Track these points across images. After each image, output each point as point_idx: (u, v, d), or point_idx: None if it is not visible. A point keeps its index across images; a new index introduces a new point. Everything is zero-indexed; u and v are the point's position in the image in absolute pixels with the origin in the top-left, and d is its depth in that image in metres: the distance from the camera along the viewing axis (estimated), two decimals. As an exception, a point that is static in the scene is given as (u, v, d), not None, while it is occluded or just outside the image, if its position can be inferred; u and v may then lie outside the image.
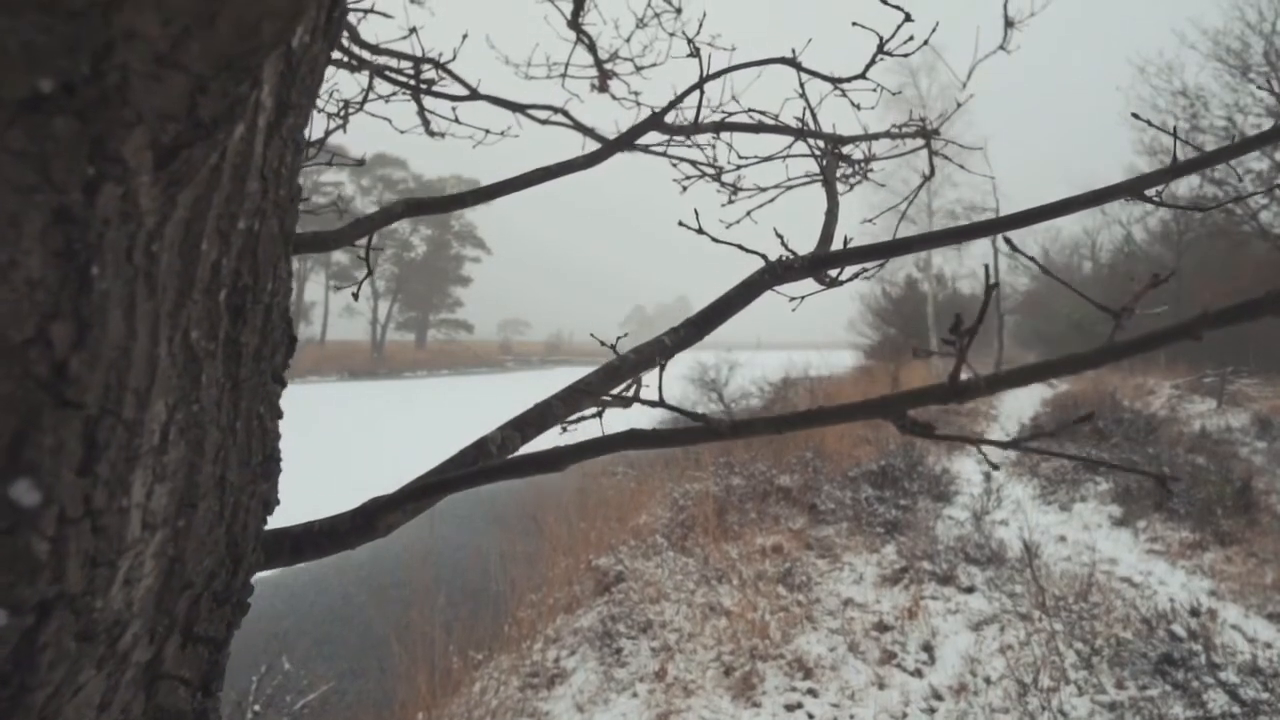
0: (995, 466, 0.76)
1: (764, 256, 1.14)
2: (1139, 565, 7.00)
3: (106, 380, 0.46)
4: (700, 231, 1.20)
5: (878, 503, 8.12)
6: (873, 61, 1.52)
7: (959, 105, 2.15)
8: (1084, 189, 1.14)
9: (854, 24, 1.46)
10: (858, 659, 5.32)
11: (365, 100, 1.94)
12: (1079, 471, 9.67)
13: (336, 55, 1.90)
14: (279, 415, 0.69)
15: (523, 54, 2.94)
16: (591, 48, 2.88)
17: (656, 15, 2.80)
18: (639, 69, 2.97)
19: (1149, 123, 1.15)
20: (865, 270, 1.34)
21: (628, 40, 2.94)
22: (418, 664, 5.58)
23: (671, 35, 2.76)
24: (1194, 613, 5.09)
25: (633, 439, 0.76)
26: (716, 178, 2.11)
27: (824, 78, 1.63)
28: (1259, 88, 18.77)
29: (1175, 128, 1.13)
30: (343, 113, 2.13)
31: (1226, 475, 8.76)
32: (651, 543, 7.47)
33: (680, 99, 1.55)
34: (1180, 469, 9.05)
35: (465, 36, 1.94)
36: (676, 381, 16.01)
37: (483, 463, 0.93)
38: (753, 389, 14.11)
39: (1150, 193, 1.24)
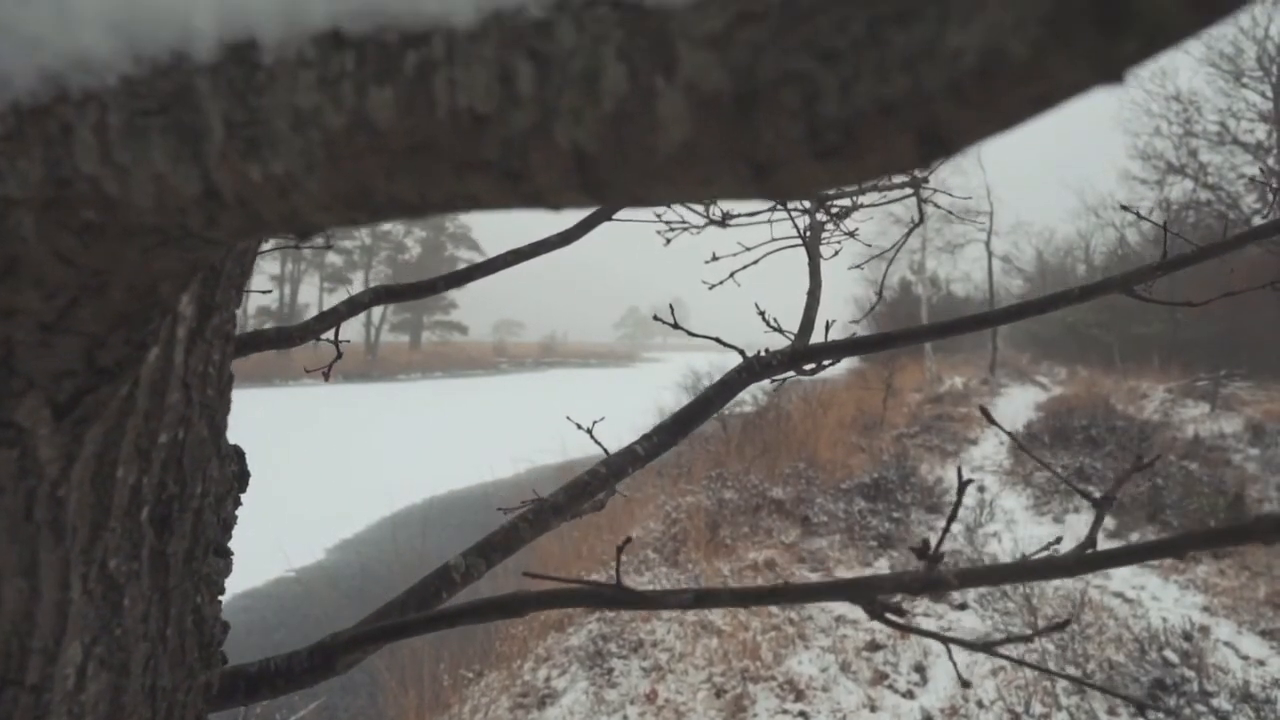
0: (966, 684, 0.73)
1: (742, 352, 1.10)
2: (1131, 580, 6.99)
3: (6, 651, 0.42)
4: (676, 326, 1.17)
5: (870, 515, 8.10)
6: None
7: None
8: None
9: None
10: (849, 679, 5.30)
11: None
12: (1073, 480, 9.65)
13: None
14: (221, 591, 0.66)
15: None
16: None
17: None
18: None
19: (1138, 214, 1.13)
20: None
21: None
22: (407, 682, 5.54)
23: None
24: (1186, 636, 5.08)
25: (598, 597, 0.73)
26: (706, 220, 2.08)
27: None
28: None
29: (1165, 222, 1.10)
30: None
31: (1220, 485, 8.77)
32: (643, 557, 7.44)
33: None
34: (1173, 477, 9.04)
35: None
36: (670, 390, 15.97)
37: (446, 592, 0.90)
38: (746, 396, 14.07)
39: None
